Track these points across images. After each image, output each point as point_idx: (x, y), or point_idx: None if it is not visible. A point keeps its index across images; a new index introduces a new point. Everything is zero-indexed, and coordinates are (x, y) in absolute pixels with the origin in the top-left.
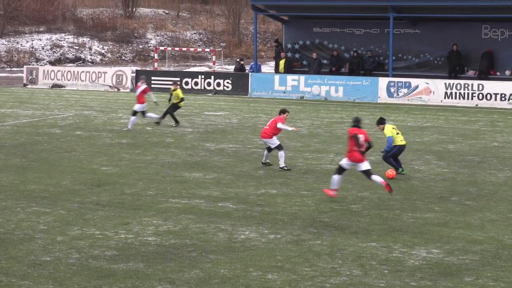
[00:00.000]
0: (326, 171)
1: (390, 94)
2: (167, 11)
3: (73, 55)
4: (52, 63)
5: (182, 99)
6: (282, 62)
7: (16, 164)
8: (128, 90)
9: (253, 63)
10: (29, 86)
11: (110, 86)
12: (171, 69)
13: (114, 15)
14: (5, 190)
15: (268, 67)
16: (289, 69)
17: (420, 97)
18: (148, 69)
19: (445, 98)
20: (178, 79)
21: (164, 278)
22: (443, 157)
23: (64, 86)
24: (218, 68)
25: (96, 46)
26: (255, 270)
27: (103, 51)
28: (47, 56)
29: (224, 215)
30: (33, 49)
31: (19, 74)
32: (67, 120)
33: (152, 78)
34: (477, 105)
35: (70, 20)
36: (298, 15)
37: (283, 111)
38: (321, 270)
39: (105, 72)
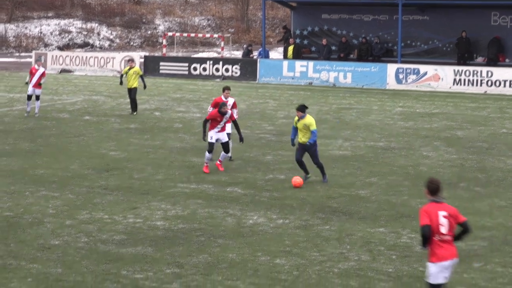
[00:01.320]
0: (334, 157)
1: (398, 81)
2: None
3: (81, 40)
4: (60, 48)
5: (142, 77)
6: (290, 49)
7: (24, 148)
8: None
9: (261, 49)
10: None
11: (118, 72)
12: (180, 55)
13: (122, 0)
14: (14, 174)
15: (276, 53)
16: (297, 56)
17: (429, 84)
18: (156, 55)
19: (454, 84)
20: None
21: (172, 262)
22: (451, 144)
23: (72, 71)
24: (226, 54)
25: (104, 31)
26: (263, 254)
27: (111, 37)
28: (56, 41)
29: (233, 200)
30: (41, 35)
31: (28, 59)
32: (75, 105)
33: (161, 63)
34: (486, 91)
35: (78, 5)
36: (307, 2)
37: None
38: (329, 255)
39: (113, 58)
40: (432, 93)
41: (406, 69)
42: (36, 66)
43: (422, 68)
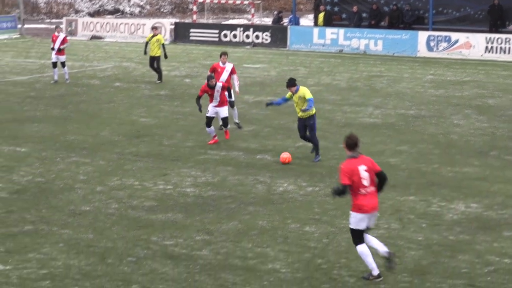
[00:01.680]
0: (365, 125)
1: (429, 48)
2: None
3: (112, 7)
4: (91, 14)
5: (163, 45)
6: (321, 15)
7: (55, 115)
8: (167, 42)
9: (292, 16)
10: (68, 38)
11: None
12: (210, 21)
13: None
14: (45, 140)
15: (307, 20)
16: (328, 23)
17: (460, 52)
18: (186, 21)
19: (485, 52)
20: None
21: (202, 229)
22: (482, 112)
23: (103, 38)
24: (256, 21)
25: None
26: (293, 222)
27: (141, 3)
28: (86, 8)
29: (263, 167)
30: (72, 1)
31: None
32: (106, 72)
33: (191, 30)
34: None
35: None
36: None
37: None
38: None
39: (143, 24)
40: (463, 61)
41: (437, 36)
42: (56, 33)
43: (454, 35)
